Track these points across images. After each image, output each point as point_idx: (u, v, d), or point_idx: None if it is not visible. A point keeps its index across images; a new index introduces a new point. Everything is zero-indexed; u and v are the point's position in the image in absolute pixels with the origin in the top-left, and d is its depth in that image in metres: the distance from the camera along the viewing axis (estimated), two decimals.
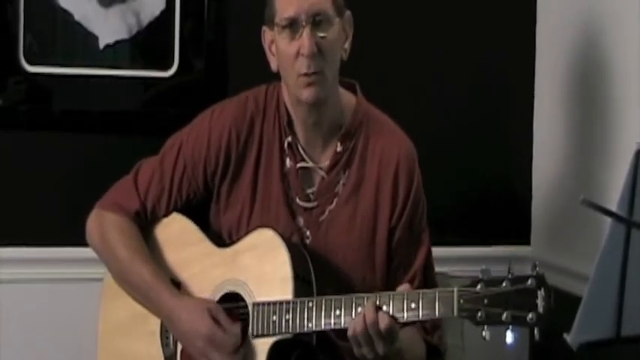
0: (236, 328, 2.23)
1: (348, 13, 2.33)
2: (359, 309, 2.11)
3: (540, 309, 1.94)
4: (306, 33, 2.23)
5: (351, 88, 2.40)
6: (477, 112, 3.18)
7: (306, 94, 2.26)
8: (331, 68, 2.28)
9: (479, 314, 1.98)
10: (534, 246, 3.19)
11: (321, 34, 2.24)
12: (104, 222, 2.42)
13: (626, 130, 2.74)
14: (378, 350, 2.10)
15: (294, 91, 2.29)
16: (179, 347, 2.34)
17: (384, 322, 2.07)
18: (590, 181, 2.89)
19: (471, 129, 3.17)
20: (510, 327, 1.96)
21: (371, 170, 2.35)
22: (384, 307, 2.09)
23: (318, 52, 2.23)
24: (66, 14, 2.94)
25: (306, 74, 2.24)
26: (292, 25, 2.24)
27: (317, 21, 2.24)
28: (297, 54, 2.24)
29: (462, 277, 2.06)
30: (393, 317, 2.07)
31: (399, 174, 2.34)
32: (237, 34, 3.01)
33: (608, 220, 1.82)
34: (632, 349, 1.89)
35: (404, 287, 2.13)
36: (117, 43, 2.98)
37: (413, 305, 2.07)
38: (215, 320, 2.24)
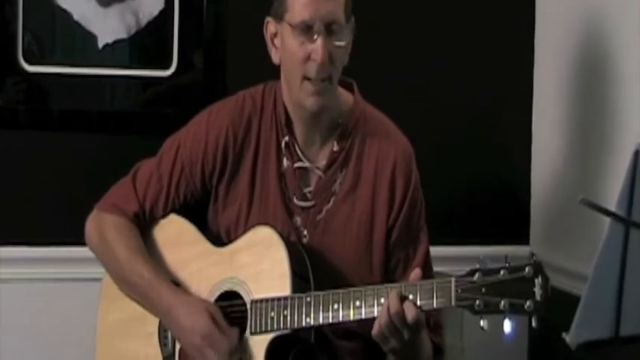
0: (234, 332, 2.23)
1: (352, 19, 2.32)
2: (357, 302, 2.12)
3: (538, 297, 1.95)
4: (320, 41, 2.22)
5: (348, 87, 2.40)
6: (475, 111, 3.18)
7: (311, 102, 2.27)
8: (337, 75, 2.28)
9: (477, 303, 1.99)
10: (533, 246, 3.18)
11: (335, 43, 2.24)
12: (103, 223, 2.42)
13: (625, 130, 2.74)
14: (405, 337, 2.09)
15: (298, 95, 2.29)
16: (177, 347, 2.34)
17: (410, 313, 2.06)
18: (589, 180, 2.89)
19: (469, 129, 3.17)
20: (508, 316, 1.96)
21: (368, 169, 2.35)
22: (382, 299, 2.09)
23: (329, 60, 2.23)
24: (65, 14, 2.94)
25: (313, 79, 2.24)
26: (306, 29, 2.23)
27: (331, 29, 2.23)
28: (308, 58, 2.24)
29: (461, 273, 2.06)
30: (417, 306, 2.07)
31: (396, 173, 2.34)
32: (235, 34, 3.02)
33: (607, 219, 1.82)
34: (631, 348, 1.89)
35: (415, 273, 2.13)
36: (116, 42, 2.98)
37: (411, 296, 2.08)
38: (213, 320, 2.24)
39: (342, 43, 2.25)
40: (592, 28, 2.91)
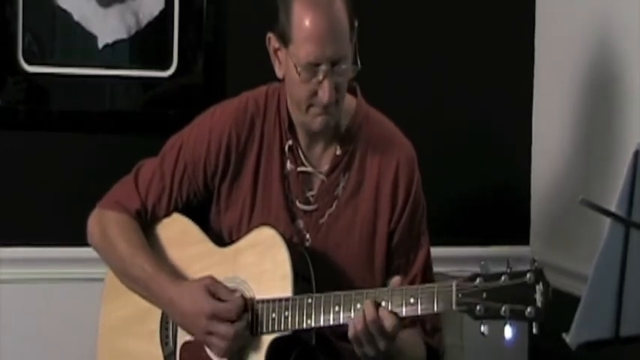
0: (236, 296, 2.23)
1: (355, 23, 2.28)
2: (358, 305, 2.11)
3: (539, 303, 1.95)
4: (326, 82, 2.20)
5: (351, 90, 2.40)
6: (476, 113, 3.18)
7: (316, 124, 2.27)
8: (343, 95, 2.27)
9: (477, 308, 1.99)
10: (533, 246, 3.19)
11: (340, 78, 2.22)
12: (105, 220, 2.43)
13: (625, 130, 2.74)
14: (379, 347, 2.10)
15: (303, 118, 2.28)
16: (178, 345, 2.34)
17: (387, 320, 2.07)
18: (589, 181, 2.89)
19: (470, 130, 3.18)
20: (509, 321, 1.97)
21: (370, 173, 2.35)
22: (383, 303, 2.09)
23: (335, 91, 2.22)
24: (65, 14, 2.94)
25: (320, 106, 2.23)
26: (312, 69, 2.20)
27: (337, 63, 2.20)
28: (314, 94, 2.22)
29: (461, 278, 2.06)
30: (394, 313, 2.08)
31: (398, 177, 2.34)
32: (235, 34, 3.02)
33: (607, 220, 1.82)
34: (631, 349, 1.89)
35: (396, 281, 2.14)
36: (116, 43, 2.98)
37: (412, 300, 2.08)
38: (214, 296, 2.24)
39: (345, 74, 2.22)
40: (592, 29, 2.92)
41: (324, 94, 2.20)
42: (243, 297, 2.24)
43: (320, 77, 2.20)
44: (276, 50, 2.29)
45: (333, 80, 2.21)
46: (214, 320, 2.22)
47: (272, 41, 2.29)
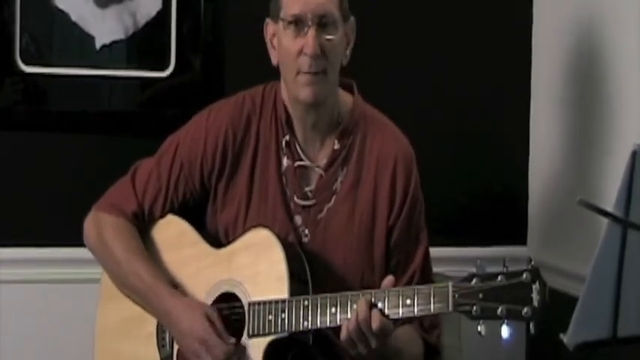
0: (230, 338, 2.24)
1: (352, 18, 2.34)
2: (354, 306, 2.11)
3: (535, 303, 1.95)
4: (310, 33, 2.24)
5: (348, 88, 2.41)
6: (473, 112, 3.18)
7: (305, 93, 2.27)
8: (333, 70, 2.29)
9: (474, 309, 1.99)
10: (530, 246, 3.19)
11: (327, 37, 2.26)
12: (101, 223, 2.42)
13: (623, 131, 2.74)
14: (372, 345, 2.10)
15: (293, 88, 2.30)
16: (175, 348, 2.34)
17: (376, 321, 2.07)
18: (587, 181, 2.89)
19: (467, 129, 3.18)
20: (506, 321, 1.97)
21: (369, 168, 2.35)
22: (379, 304, 2.09)
23: (322, 53, 2.25)
24: (62, 15, 2.94)
25: (306, 73, 2.25)
26: (297, 23, 2.26)
27: (323, 22, 2.25)
28: (300, 52, 2.26)
29: (457, 278, 2.07)
30: (385, 315, 2.08)
31: (396, 173, 2.34)
32: (233, 34, 3.02)
33: (605, 220, 1.82)
34: (629, 349, 1.89)
35: (388, 281, 2.14)
36: (113, 43, 2.98)
37: (408, 301, 2.07)
38: (211, 324, 2.24)
39: (333, 37, 2.26)
40: (589, 29, 2.91)
41: (309, 46, 2.23)
42: (237, 328, 2.24)
43: (305, 30, 2.24)
44: (272, 37, 2.34)
45: (319, 39, 2.24)
46: (204, 348, 2.23)
47: (268, 27, 2.35)
